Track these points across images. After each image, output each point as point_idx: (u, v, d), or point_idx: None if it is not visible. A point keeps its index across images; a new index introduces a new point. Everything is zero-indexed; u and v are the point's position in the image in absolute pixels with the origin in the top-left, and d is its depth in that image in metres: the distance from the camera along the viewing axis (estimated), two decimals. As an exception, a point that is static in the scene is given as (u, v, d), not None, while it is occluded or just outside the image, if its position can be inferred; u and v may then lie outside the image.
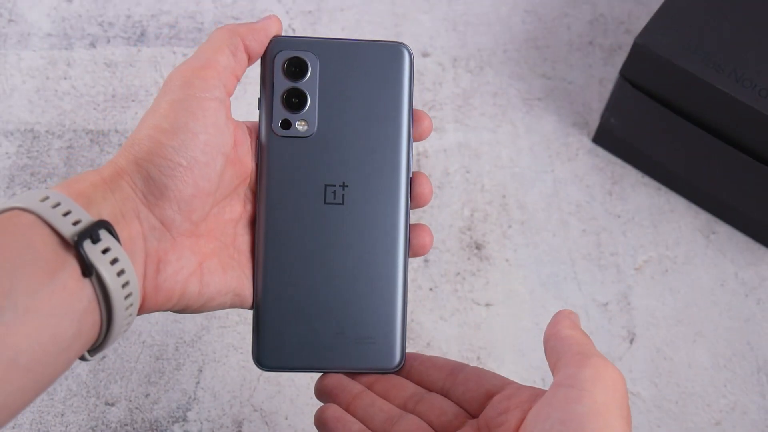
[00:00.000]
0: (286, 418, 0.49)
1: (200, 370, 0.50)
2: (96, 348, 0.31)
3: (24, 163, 0.56)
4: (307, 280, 0.37)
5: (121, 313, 0.30)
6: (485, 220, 0.56)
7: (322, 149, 0.37)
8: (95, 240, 0.28)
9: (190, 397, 0.49)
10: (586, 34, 0.64)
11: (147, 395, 0.49)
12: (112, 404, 0.49)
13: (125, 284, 0.29)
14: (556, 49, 0.64)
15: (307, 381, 0.50)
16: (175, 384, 0.50)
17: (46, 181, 0.56)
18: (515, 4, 0.66)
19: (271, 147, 0.37)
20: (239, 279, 0.36)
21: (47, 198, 0.29)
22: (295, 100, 0.37)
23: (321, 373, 0.38)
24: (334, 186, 0.38)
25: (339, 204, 0.38)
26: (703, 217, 0.57)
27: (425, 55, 0.63)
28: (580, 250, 0.55)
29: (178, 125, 0.32)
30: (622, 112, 0.55)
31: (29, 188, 0.55)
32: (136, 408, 0.49)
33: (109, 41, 0.62)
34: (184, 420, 0.48)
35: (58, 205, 0.29)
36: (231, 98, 0.35)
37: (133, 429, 0.48)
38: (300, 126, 0.37)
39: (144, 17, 0.63)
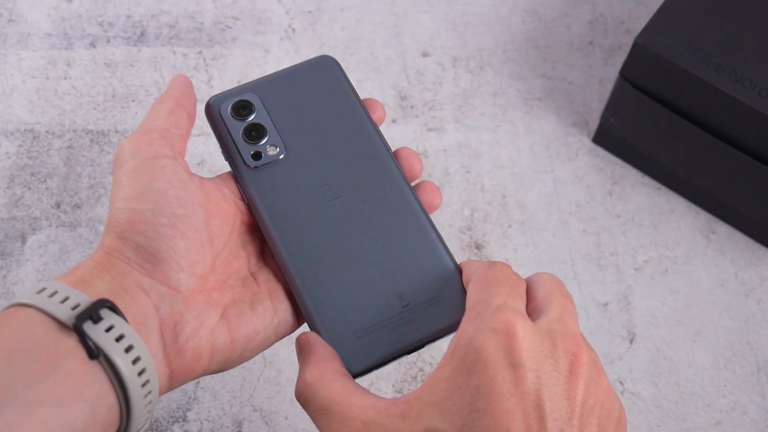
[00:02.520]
0: (286, 418, 0.49)
1: (200, 370, 0.50)
2: None
3: (24, 163, 0.56)
4: (347, 275, 0.36)
5: (137, 390, 0.28)
6: (485, 220, 0.56)
7: (302, 161, 0.38)
8: (96, 320, 0.28)
9: (190, 397, 0.49)
10: (586, 34, 0.64)
11: (147, 395, 0.49)
12: (112, 404, 0.49)
13: (136, 360, 0.28)
14: (556, 49, 0.64)
15: (307, 381, 0.50)
16: (175, 384, 0.50)
17: (46, 181, 0.56)
18: (515, 4, 0.66)
19: (253, 180, 0.38)
20: (274, 309, 0.35)
21: (44, 289, 0.28)
22: (254, 133, 0.38)
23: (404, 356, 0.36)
24: (328, 184, 0.38)
25: (341, 197, 0.38)
26: (703, 217, 0.57)
27: (425, 55, 0.63)
28: (580, 250, 0.55)
29: (143, 189, 0.32)
30: (622, 112, 0.55)
31: (29, 188, 0.55)
32: (136, 408, 0.49)
33: (109, 41, 0.62)
34: (184, 420, 0.48)
35: (54, 293, 0.28)
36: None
37: (133, 429, 0.48)
38: (271, 151, 0.38)
39: (144, 17, 0.63)
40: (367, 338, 0.35)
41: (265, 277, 0.36)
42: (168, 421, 0.48)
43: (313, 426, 0.49)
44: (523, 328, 0.28)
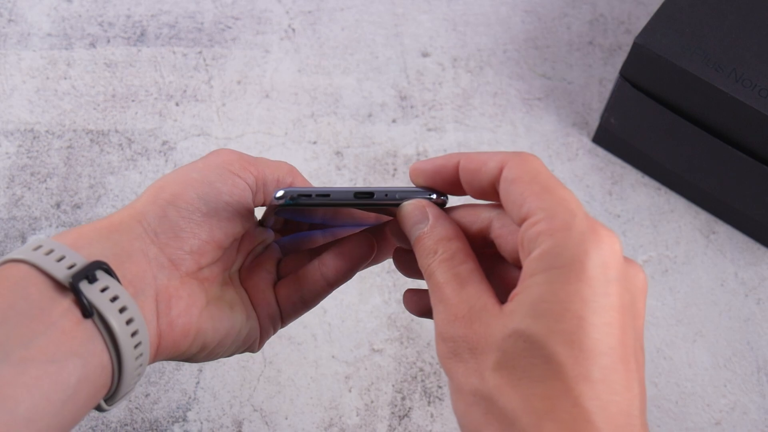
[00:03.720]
0: (286, 418, 0.49)
1: (200, 370, 0.50)
2: (112, 395, 0.30)
3: (24, 163, 0.56)
4: None
5: (129, 351, 0.29)
6: (485, 220, 0.56)
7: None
8: (92, 280, 0.28)
9: (190, 397, 0.49)
10: (586, 34, 0.64)
11: (147, 395, 0.49)
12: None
13: (130, 321, 0.29)
14: (556, 49, 0.64)
15: (306, 381, 0.50)
16: (175, 384, 0.50)
17: (46, 181, 0.56)
18: (515, 4, 0.66)
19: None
20: (247, 317, 0.36)
21: (40, 246, 0.29)
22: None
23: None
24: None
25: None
26: (703, 217, 0.57)
27: (425, 55, 0.63)
28: (580, 250, 0.55)
29: (207, 180, 0.33)
30: (622, 112, 0.55)
31: (29, 188, 0.55)
32: (136, 408, 0.49)
33: (109, 41, 0.62)
34: (184, 420, 0.48)
35: (51, 252, 0.28)
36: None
37: (133, 429, 0.48)
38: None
39: (144, 17, 0.63)
40: None
41: (242, 295, 0.37)
42: (168, 421, 0.48)
43: (313, 426, 0.49)
44: (618, 242, 0.27)
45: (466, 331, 0.27)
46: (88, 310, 0.28)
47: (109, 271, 0.29)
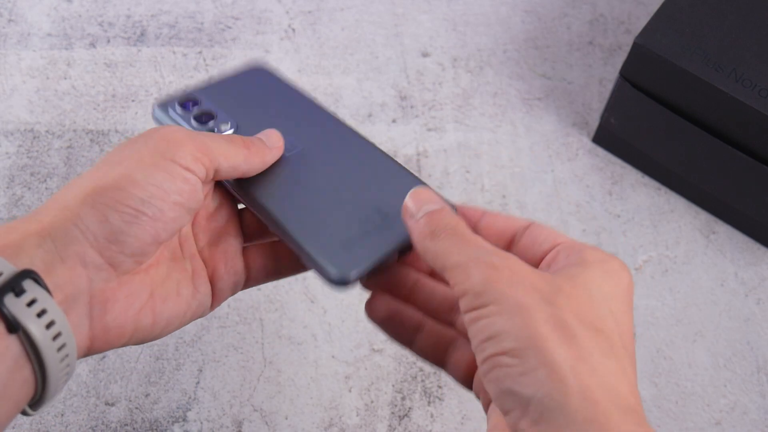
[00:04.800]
0: (286, 418, 0.49)
1: (200, 370, 0.50)
2: (36, 402, 0.29)
3: (24, 163, 0.56)
4: (326, 203, 0.37)
5: (55, 365, 0.28)
6: (485, 220, 0.56)
7: (254, 131, 0.39)
8: (18, 293, 0.27)
9: (190, 397, 0.49)
10: (586, 34, 0.64)
11: (147, 395, 0.49)
12: (112, 404, 0.49)
13: (57, 336, 0.28)
14: (556, 49, 0.64)
15: (306, 381, 0.50)
16: (175, 384, 0.50)
17: (46, 181, 0.56)
18: (515, 4, 0.66)
19: None
20: (195, 290, 0.35)
21: None
22: (203, 117, 0.40)
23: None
24: (289, 145, 0.39)
25: (300, 149, 0.39)
26: (703, 217, 0.57)
27: (425, 55, 0.63)
28: (580, 250, 0.55)
29: (152, 179, 0.31)
30: (622, 112, 0.55)
31: (29, 188, 0.55)
32: (136, 408, 0.49)
33: (109, 41, 0.62)
34: (184, 420, 0.48)
35: None
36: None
37: (133, 429, 0.48)
38: (223, 127, 0.39)
39: (144, 17, 0.63)
40: (356, 246, 0.36)
41: (193, 251, 0.36)
42: (168, 421, 0.48)
43: (313, 426, 0.49)
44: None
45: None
46: (12, 326, 0.27)
47: (38, 281, 0.28)
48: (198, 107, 0.40)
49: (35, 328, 0.27)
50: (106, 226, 0.30)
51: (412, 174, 0.39)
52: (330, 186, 0.38)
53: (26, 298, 0.27)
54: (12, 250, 0.28)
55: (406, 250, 0.36)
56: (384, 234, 0.36)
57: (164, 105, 0.40)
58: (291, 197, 0.38)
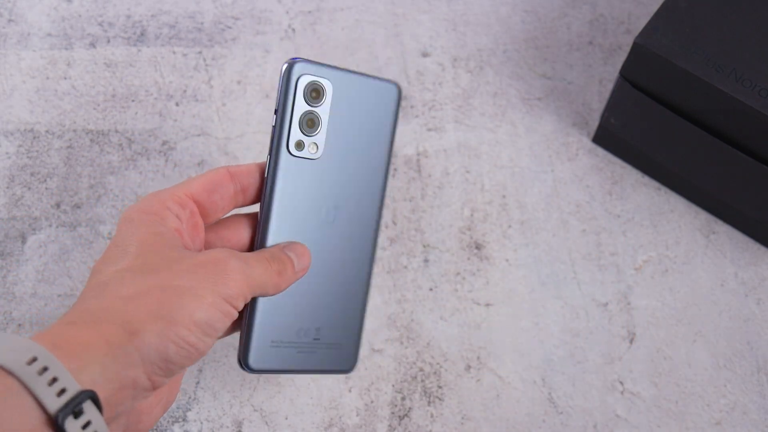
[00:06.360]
0: (286, 418, 0.49)
1: (200, 370, 0.50)
2: None
3: (24, 163, 0.56)
4: (297, 290, 0.41)
5: None
6: (485, 220, 0.56)
7: (323, 173, 0.41)
8: (77, 414, 0.28)
9: (190, 397, 0.49)
10: (586, 34, 0.64)
11: (147, 395, 0.49)
12: (112, 404, 0.49)
13: None
14: (556, 49, 0.64)
15: (306, 381, 0.50)
16: (175, 384, 0.50)
17: (46, 181, 0.56)
18: (515, 4, 0.66)
19: (283, 165, 0.40)
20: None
21: (35, 360, 0.28)
22: (310, 124, 0.40)
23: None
24: (329, 207, 0.41)
25: (330, 223, 0.42)
26: (703, 217, 0.57)
27: (425, 55, 0.63)
28: (579, 250, 0.55)
29: (208, 321, 0.34)
30: (622, 112, 0.55)
31: (29, 188, 0.55)
32: (136, 408, 0.49)
33: (109, 41, 0.62)
34: (184, 420, 0.48)
35: (45, 370, 0.28)
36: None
37: (133, 429, 0.48)
38: (311, 149, 0.40)
39: (144, 17, 0.63)
40: (278, 349, 0.41)
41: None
42: (168, 421, 0.48)
43: (313, 426, 0.49)
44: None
45: None
46: None
47: (96, 401, 0.29)
48: (315, 105, 0.40)
49: None
50: (163, 356, 0.32)
51: (362, 311, 0.44)
52: (320, 279, 0.42)
53: (83, 419, 0.29)
54: (77, 363, 0.29)
55: (312, 373, 0.43)
56: (303, 356, 0.42)
57: (297, 73, 0.40)
58: None
